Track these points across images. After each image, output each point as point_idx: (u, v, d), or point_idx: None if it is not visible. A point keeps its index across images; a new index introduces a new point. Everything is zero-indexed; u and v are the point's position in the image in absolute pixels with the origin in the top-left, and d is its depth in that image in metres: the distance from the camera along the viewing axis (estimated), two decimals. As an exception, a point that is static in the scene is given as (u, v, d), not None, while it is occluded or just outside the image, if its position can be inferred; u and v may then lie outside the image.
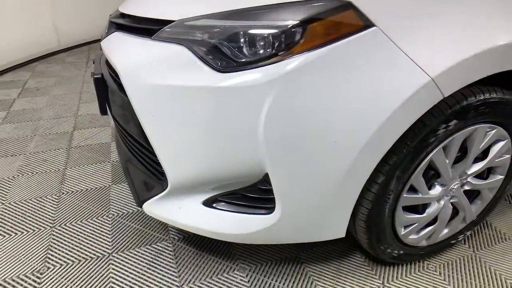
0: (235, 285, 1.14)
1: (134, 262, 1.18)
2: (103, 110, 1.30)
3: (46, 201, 1.41)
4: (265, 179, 0.92)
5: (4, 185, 1.50)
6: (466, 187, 1.14)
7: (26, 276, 1.05)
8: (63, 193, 1.32)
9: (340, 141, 0.84)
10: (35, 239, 1.25)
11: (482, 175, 1.17)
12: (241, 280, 1.16)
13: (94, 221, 1.33)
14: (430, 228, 1.16)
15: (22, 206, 1.36)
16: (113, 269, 1.15)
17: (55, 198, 1.42)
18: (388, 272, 1.21)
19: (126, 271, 1.16)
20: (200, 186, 0.98)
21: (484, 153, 1.10)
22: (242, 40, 0.83)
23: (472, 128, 0.99)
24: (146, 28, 1.04)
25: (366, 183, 0.96)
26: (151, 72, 0.93)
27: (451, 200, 1.15)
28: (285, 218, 0.96)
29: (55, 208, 1.37)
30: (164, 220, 1.07)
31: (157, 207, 1.06)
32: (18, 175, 1.60)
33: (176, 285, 1.11)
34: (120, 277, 1.14)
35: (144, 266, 1.17)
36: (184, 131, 0.91)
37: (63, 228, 1.30)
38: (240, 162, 0.90)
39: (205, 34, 0.88)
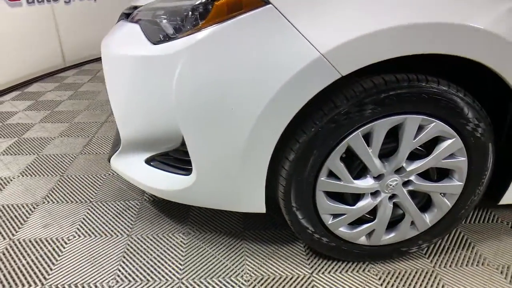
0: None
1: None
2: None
3: (129, 206, 1.46)
4: (184, 142, 1.03)
5: (96, 183, 1.57)
6: (411, 187, 1.06)
7: (96, 286, 1.09)
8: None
9: (237, 109, 0.90)
10: (111, 245, 1.26)
11: (433, 177, 1.07)
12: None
13: (170, 237, 1.30)
14: (367, 225, 1.10)
15: (105, 207, 1.45)
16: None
17: (137, 204, 1.47)
18: (321, 265, 1.18)
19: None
20: (142, 145, 1.14)
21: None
22: (166, 17, 0.97)
23: (399, 118, 0.94)
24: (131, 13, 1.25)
25: (280, 160, 1.00)
26: (116, 44, 1.13)
27: (395, 200, 1.08)
28: (201, 180, 1.04)
29: (135, 214, 1.42)
30: (121, 175, 1.25)
31: (116, 163, 1.25)
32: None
33: None
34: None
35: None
36: (126, 95, 1.08)
37: (139, 239, 1.28)
38: (164, 124, 1.02)
39: (149, 14, 1.05)
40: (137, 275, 1.13)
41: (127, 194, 1.52)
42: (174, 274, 1.13)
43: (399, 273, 1.16)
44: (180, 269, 1.15)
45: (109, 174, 1.66)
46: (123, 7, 1.39)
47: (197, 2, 0.93)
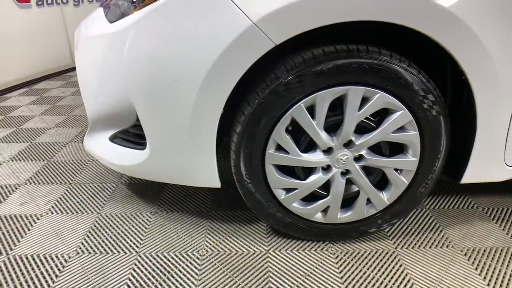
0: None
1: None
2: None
3: (105, 188, 1.48)
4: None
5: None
6: (363, 163, 1.05)
7: (56, 256, 1.11)
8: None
9: (180, 82, 0.93)
10: (79, 222, 1.27)
11: (385, 151, 1.06)
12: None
13: (138, 215, 1.30)
14: (322, 201, 1.09)
15: (82, 188, 1.48)
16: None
17: (113, 186, 1.50)
18: (280, 243, 1.18)
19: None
20: (105, 123, 1.18)
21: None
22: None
23: (341, 89, 0.93)
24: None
25: (229, 133, 1.02)
26: (83, 27, 1.19)
27: (348, 176, 1.07)
28: (154, 154, 1.08)
29: (109, 195, 1.43)
30: (92, 155, 1.30)
31: (87, 142, 1.30)
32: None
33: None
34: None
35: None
36: (88, 73, 1.13)
37: (108, 217, 1.28)
38: (120, 99, 1.06)
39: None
40: (98, 248, 1.17)
41: (105, 177, 1.58)
42: (133, 248, 1.17)
43: (358, 253, 1.14)
44: (140, 244, 1.18)
45: (93, 160, 1.72)
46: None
47: (144, -22, 0.97)
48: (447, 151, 1.05)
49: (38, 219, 1.31)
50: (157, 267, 1.09)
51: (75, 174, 1.60)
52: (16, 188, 1.50)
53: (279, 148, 1.02)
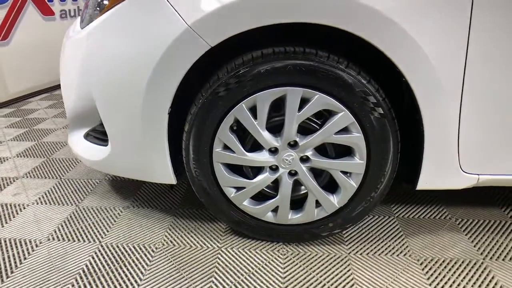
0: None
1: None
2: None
3: (89, 184, 1.57)
4: (102, 114, 1.15)
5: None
6: (309, 164, 1.05)
7: (25, 242, 1.19)
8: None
9: (130, 82, 1.00)
10: (58, 212, 1.37)
11: (331, 153, 1.06)
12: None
13: (111, 209, 1.36)
14: (271, 201, 1.11)
15: (70, 183, 1.60)
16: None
17: (96, 182, 1.56)
18: (234, 241, 1.20)
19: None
20: (79, 121, 1.28)
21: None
22: (93, 5, 1.12)
23: (280, 90, 0.96)
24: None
25: (179, 132, 1.07)
26: (67, 33, 1.32)
27: (296, 177, 1.08)
28: (114, 150, 1.15)
29: (91, 190, 1.50)
30: (72, 150, 1.41)
31: (69, 139, 1.41)
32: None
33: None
34: None
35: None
36: (64, 74, 1.24)
37: (84, 209, 1.37)
38: (87, 99, 1.16)
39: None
40: (67, 236, 1.25)
41: (93, 174, 1.68)
42: (98, 238, 1.24)
43: (309, 255, 1.14)
44: (105, 235, 1.26)
45: (89, 159, 1.85)
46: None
47: (106, -12, 1.07)
48: (397, 155, 1.04)
49: (24, 208, 1.43)
50: (113, 256, 1.15)
51: (67, 170, 1.73)
52: (14, 181, 1.65)
53: (226, 147, 1.06)
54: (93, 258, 1.15)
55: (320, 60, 0.94)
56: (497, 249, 1.15)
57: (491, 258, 1.11)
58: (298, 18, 0.87)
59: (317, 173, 1.10)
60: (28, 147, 2.02)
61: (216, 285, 1.03)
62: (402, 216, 1.32)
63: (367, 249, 1.16)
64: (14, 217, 1.38)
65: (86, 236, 1.25)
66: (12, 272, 1.10)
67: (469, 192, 1.45)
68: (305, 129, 1.03)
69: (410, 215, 1.33)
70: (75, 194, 1.52)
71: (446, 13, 0.87)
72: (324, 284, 1.03)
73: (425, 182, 1.06)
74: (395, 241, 1.20)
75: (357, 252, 1.15)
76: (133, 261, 1.13)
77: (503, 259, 1.10)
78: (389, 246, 1.17)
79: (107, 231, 1.27)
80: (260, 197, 1.14)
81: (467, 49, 0.90)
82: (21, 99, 2.95)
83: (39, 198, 1.50)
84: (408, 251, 1.15)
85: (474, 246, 1.16)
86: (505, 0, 0.86)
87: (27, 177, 1.68)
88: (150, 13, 0.95)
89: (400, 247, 1.17)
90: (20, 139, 2.13)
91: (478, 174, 1.05)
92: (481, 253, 1.13)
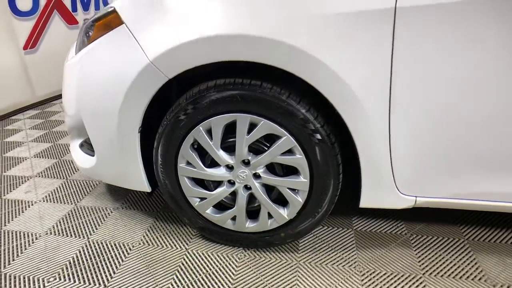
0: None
1: None
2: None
3: (90, 184, 2.02)
4: (90, 129, 1.34)
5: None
6: (260, 180, 1.18)
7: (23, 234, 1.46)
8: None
9: (107, 105, 1.17)
10: (57, 210, 1.68)
11: (279, 172, 1.18)
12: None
13: (102, 209, 1.53)
14: (229, 211, 1.25)
15: (74, 183, 2.02)
16: None
17: (97, 182, 1.81)
18: (201, 244, 1.36)
19: None
20: (76, 132, 1.48)
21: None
22: (85, 32, 1.30)
23: (230, 116, 1.09)
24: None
25: (150, 149, 1.23)
26: (67, 55, 1.52)
27: (251, 191, 1.21)
28: (100, 160, 1.34)
29: (90, 191, 1.82)
30: (72, 157, 1.61)
31: (70, 147, 1.62)
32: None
33: None
34: None
35: None
36: (64, 89, 1.44)
37: (81, 208, 1.57)
38: (77, 114, 1.35)
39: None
40: (62, 231, 1.46)
41: (94, 176, 1.91)
42: (86, 234, 1.44)
43: (262, 261, 1.27)
44: (94, 232, 1.45)
45: (95, 161, 2.07)
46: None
47: (91, 20, 1.25)
48: (338, 177, 1.14)
49: (32, 204, 1.66)
50: (96, 252, 1.34)
51: (73, 172, 1.96)
52: (28, 179, 1.90)
53: (189, 162, 1.21)
54: (79, 252, 1.35)
55: (263, 91, 1.06)
56: (439, 265, 1.22)
57: (430, 274, 1.19)
58: (231, 57, 1.00)
59: (270, 188, 1.22)
60: (45, 148, 2.28)
61: (176, 282, 1.19)
62: (359, 229, 1.42)
63: (317, 258, 1.27)
64: (23, 212, 1.61)
65: (78, 232, 1.45)
66: (13, 260, 1.32)
67: (430, 209, 1.51)
68: (256, 150, 1.16)
69: (368, 228, 1.42)
70: (76, 194, 1.74)
71: (365, 43, 0.94)
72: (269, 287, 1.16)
73: (366, 201, 1.16)
74: (345, 252, 1.30)
75: (306, 260, 1.27)
76: (112, 257, 1.32)
77: (441, 276, 1.18)
78: (338, 257, 1.28)
79: (96, 229, 1.47)
80: (222, 206, 1.29)
81: (390, 75, 0.95)
82: (46, 101, 3.27)
83: (46, 196, 1.73)
84: (355, 262, 1.25)
85: (419, 262, 1.24)
86: (428, 32, 0.91)
87: (39, 176, 1.92)
88: (123, 47, 1.12)
89: (348, 258, 1.27)
90: (39, 141, 2.40)
91: (415, 196, 1.13)
92: (423, 269, 1.21)
